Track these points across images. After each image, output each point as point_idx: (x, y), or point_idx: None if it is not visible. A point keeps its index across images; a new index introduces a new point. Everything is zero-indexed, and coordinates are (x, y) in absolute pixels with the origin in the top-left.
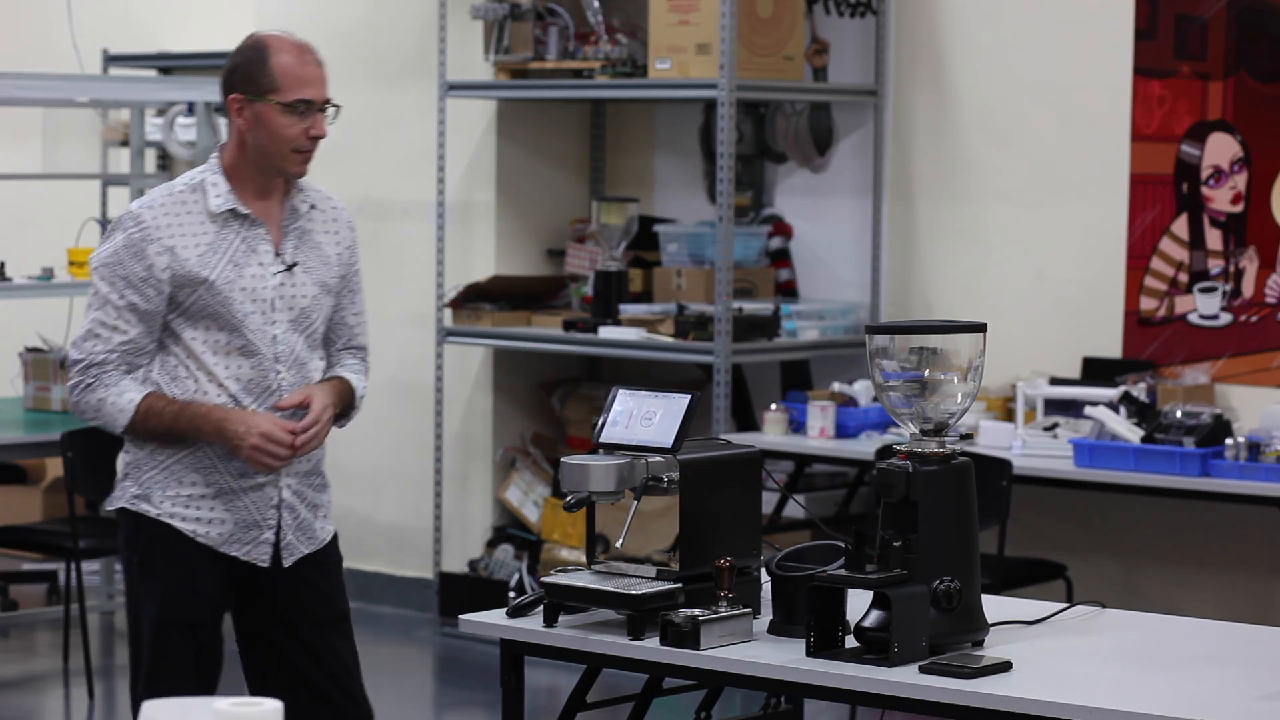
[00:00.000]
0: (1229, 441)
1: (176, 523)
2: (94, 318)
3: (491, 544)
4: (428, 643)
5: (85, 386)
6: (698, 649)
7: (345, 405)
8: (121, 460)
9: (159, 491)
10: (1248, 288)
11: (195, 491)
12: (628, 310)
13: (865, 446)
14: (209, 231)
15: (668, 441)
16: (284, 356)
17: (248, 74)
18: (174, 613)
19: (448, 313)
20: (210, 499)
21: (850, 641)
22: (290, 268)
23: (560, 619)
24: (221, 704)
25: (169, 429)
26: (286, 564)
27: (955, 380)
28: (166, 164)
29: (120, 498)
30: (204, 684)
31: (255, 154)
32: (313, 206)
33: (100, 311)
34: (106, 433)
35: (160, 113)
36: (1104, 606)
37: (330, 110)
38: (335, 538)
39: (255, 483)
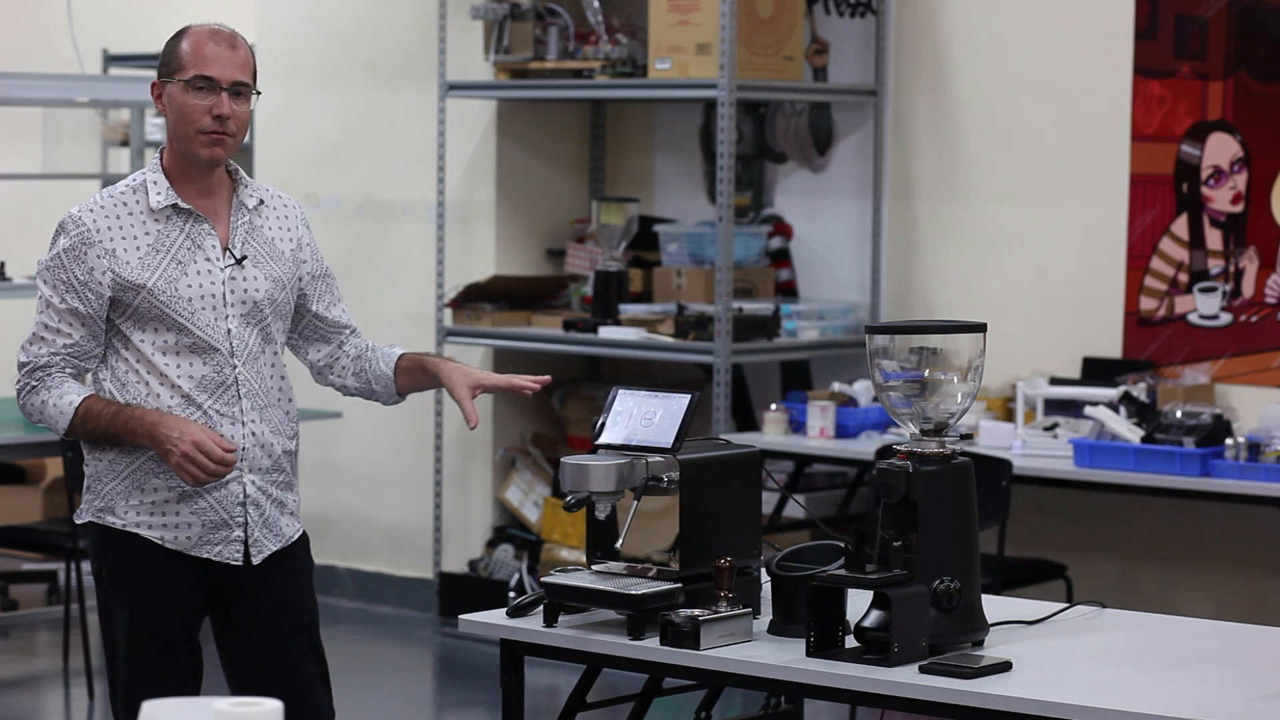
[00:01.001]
0: (1229, 441)
1: (144, 531)
2: (39, 320)
3: (491, 544)
4: (428, 643)
5: (30, 389)
6: (698, 649)
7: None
8: (85, 472)
9: (122, 502)
10: (1248, 288)
11: (159, 497)
12: (628, 310)
13: (865, 446)
14: (151, 231)
15: (668, 441)
16: (239, 350)
17: (164, 58)
18: (146, 626)
19: (448, 313)
20: (175, 503)
21: (850, 641)
22: (239, 260)
23: (560, 619)
24: (221, 704)
25: (105, 431)
26: (255, 561)
27: (955, 380)
28: None
29: (85, 511)
30: (183, 692)
31: (173, 139)
32: (261, 202)
33: (44, 315)
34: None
35: (160, 113)
36: (1104, 606)
37: (253, 98)
38: (305, 539)
39: (218, 481)
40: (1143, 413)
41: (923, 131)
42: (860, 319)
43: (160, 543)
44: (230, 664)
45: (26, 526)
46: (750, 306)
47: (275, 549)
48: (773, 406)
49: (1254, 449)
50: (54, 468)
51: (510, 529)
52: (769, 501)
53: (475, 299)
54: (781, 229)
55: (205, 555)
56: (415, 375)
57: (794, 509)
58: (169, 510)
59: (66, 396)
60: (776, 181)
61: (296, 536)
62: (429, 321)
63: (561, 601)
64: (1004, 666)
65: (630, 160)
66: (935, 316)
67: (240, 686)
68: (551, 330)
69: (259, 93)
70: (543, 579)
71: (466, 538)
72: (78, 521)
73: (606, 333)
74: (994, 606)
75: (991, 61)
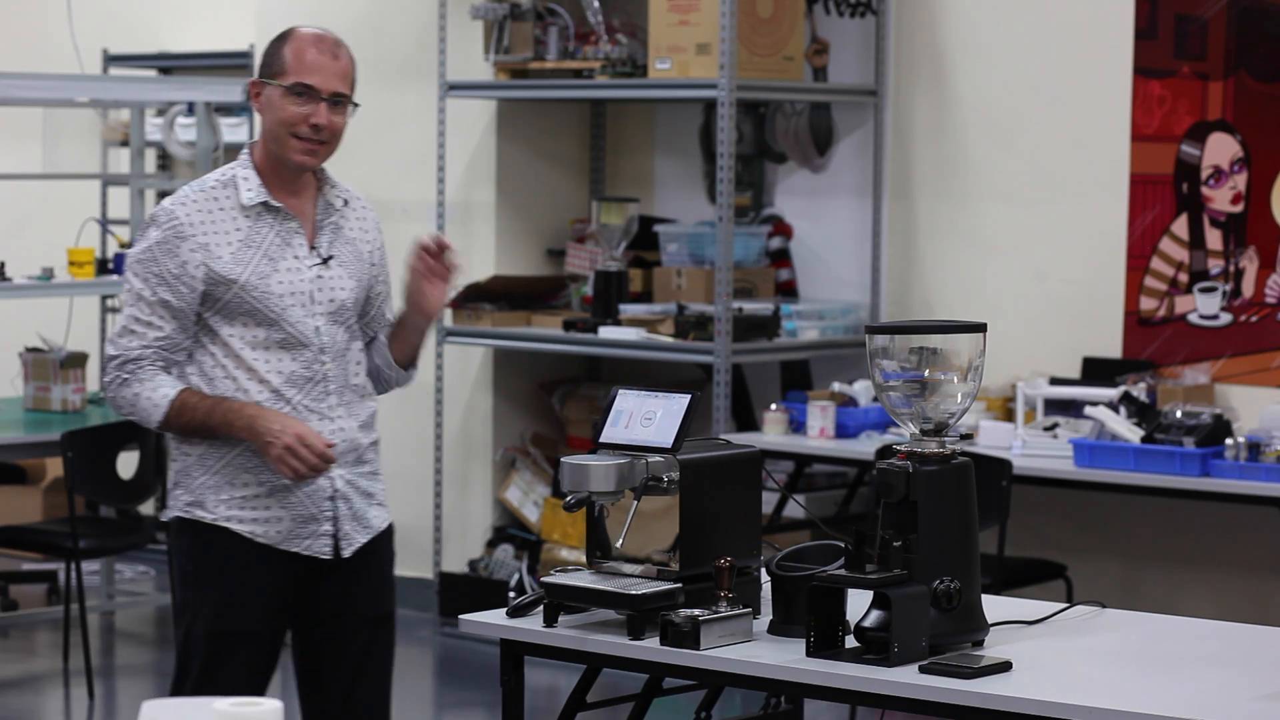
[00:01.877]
0: (1229, 441)
1: (234, 525)
2: (129, 313)
3: (491, 544)
4: (428, 643)
5: (121, 382)
6: (698, 649)
7: (418, 350)
8: (171, 469)
9: (213, 496)
10: (1248, 288)
11: (249, 492)
12: (628, 310)
13: (865, 446)
14: (242, 227)
15: (668, 441)
16: (329, 347)
17: (266, 59)
18: (231, 622)
19: (448, 313)
20: (265, 498)
21: (850, 641)
22: (326, 260)
23: (560, 619)
24: (221, 704)
25: (202, 424)
26: (346, 555)
27: (955, 380)
28: (166, 164)
29: (174, 507)
30: (257, 692)
31: (267, 140)
32: (346, 202)
33: (135, 308)
34: (108, 433)
35: (160, 113)
36: (1104, 606)
37: (350, 109)
38: (391, 529)
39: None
40: (1143, 413)
41: (923, 131)
42: (860, 319)
43: (251, 537)
44: (306, 654)
45: (26, 526)
46: (750, 306)
47: (364, 541)
48: (773, 406)
49: (1254, 449)
50: (54, 468)
51: (510, 529)
52: (769, 501)
53: (475, 299)
54: (781, 229)
55: (295, 549)
56: (396, 332)
57: (794, 509)
58: (259, 505)
59: (161, 389)
60: (776, 181)
61: (384, 527)
62: None
63: (561, 601)
64: (1004, 666)
65: (630, 160)
66: (935, 316)
67: (312, 677)
68: (551, 330)
69: (356, 105)
70: (543, 579)
71: (466, 538)
72: (164, 519)
73: (606, 333)
74: (994, 606)
75: (991, 61)
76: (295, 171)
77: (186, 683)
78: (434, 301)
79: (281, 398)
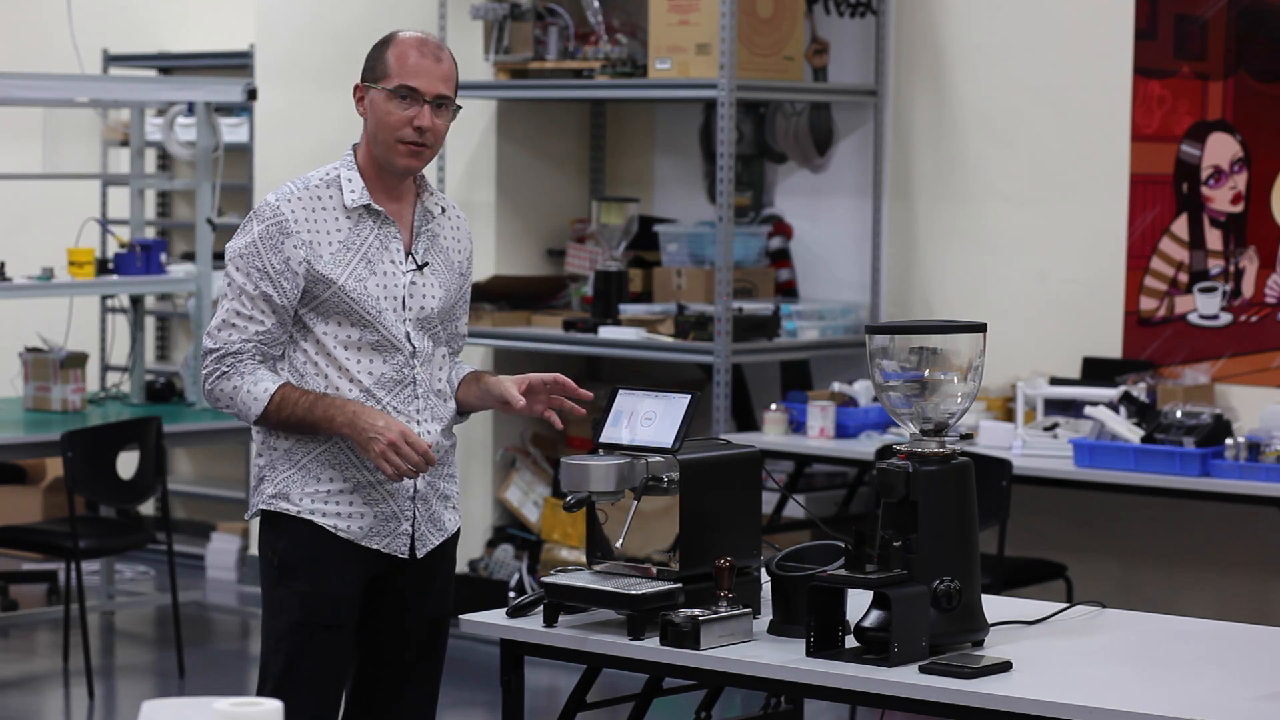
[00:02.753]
0: (1229, 441)
1: (318, 519)
2: (229, 307)
3: (491, 544)
4: None
5: (220, 375)
6: (698, 649)
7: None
8: (255, 465)
9: (297, 489)
10: (1248, 288)
11: (334, 487)
12: (628, 310)
13: (865, 446)
14: (344, 227)
15: (668, 441)
16: (420, 352)
17: (370, 62)
18: (318, 615)
19: None
20: (349, 494)
21: (850, 641)
22: (421, 268)
23: (560, 619)
24: (221, 704)
25: (303, 419)
26: (420, 555)
27: (955, 380)
28: (166, 164)
29: (258, 501)
30: (337, 686)
31: (372, 144)
32: (443, 210)
33: (236, 301)
34: (108, 433)
35: (160, 113)
36: (1104, 606)
37: (451, 110)
38: (459, 533)
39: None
40: (1143, 413)
41: (923, 131)
42: (860, 319)
43: (334, 531)
44: (364, 650)
45: (26, 526)
46: (750, 306)
47: (438, 543)
48: (773, 406)
49: (1254, 449)
50: (54, 468)
51: (510, 529)
52: (769, 501)
53: (475, 299)
54: (781, 229)
55: (375, 546)
56: (469, 386)
57: (794, 509)
58: (343, 500)
59: (261, 384)
60: (776, 181)
61: (455, 530)
62: None
63: (561, 601)
64: (1004, 666)
65: (630, 160)
66: (935, 316)
67: (365, 672)
68: (551, 330)
69: (459, 107)
70: (543, 579)
71: (466, 538)
72: (247, 517)
73: (606, 333)
74: (994, 606)
75: (991, 61)
76: (399, 175)
77: (269, 678)
78: (524, 411)
79: (372, 397)
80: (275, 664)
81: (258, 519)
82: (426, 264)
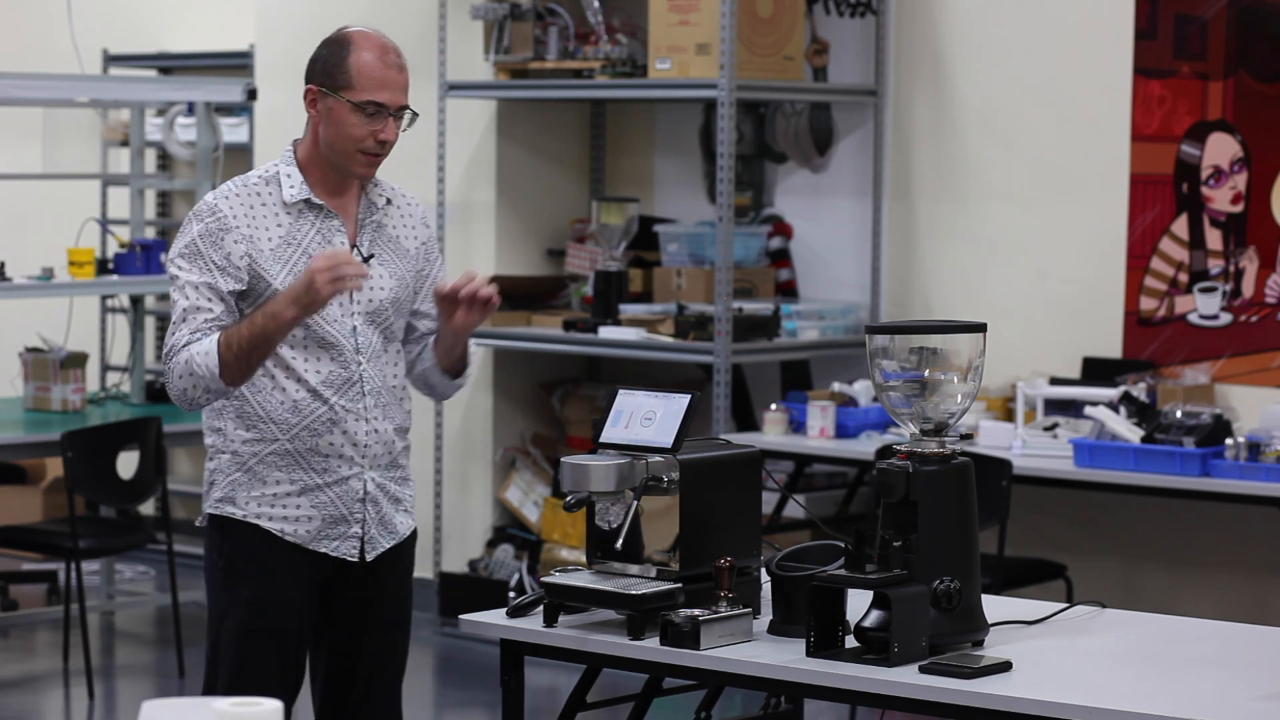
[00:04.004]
0: (1229, 441)
1: (264, 523)
2: (178, 307)
3: (491, 544)
4: (428, 643)
5: (175, 363)
6: (698, 649)
7: (464, 361)
8: (206, 469)
9: (243, 493)
10: (1248, 288)
11: (281, 490)
12: (628, 310)
13: (865, 446)
14: (284, 223)
15: (668, 441)
16: (364, 348)
17: (326, 67)
18: (261, 620)
19: None
20: (296, 496)
21: (850, 641)
22: (367, 259)
23: (560, 619)
24: (221, 704)
25: (250, 337)
26: (369, 558)
27: (955, 380)
28: (166, 164)
29: (206, 506)
30: (285, 692)
31: (325, 148)
32: (389, 201)
33: (181, 298)
34: (108, 433)
35: (160, 113)
36: (1104, 606)
37: (407, 116)
38: (414, 535)
39: (339, 476)
40: (1143, 413)
41: (923, 131)
42: (860, 319)
43: (280, 535)
44: (323, 656)
45: (26, 526)
46: (750, 306)
47: (389, 546)
48: (773, 406)
49: (1254, 449)
50: (54, 468)
51: (510, 529)
52: (769, 501)
53: None
54: (781, 229)
55: (323, 550)
56: (436, 342)
57: (794, 509)
58: (289, 503)
59: (203, 343)
60: (776, 181)
61: (408, 534)
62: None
63: (561, 601)
64: (1004, 666)
65: (630, 160)
66: (935, 316)
67: (326, 679)
68: (551, 330)
69: (416, 114)
70: (543, 579)
71: (466, 538)
72: (198, 524)
73: (606, 333)
74: (994, 606)
75: (991, 61)
76: (348, 178)
77: (218, 682)
78: (467, 324)
79: (319, 397)
80: (223, 669)
81: (206, 521)
82: (373, 255)
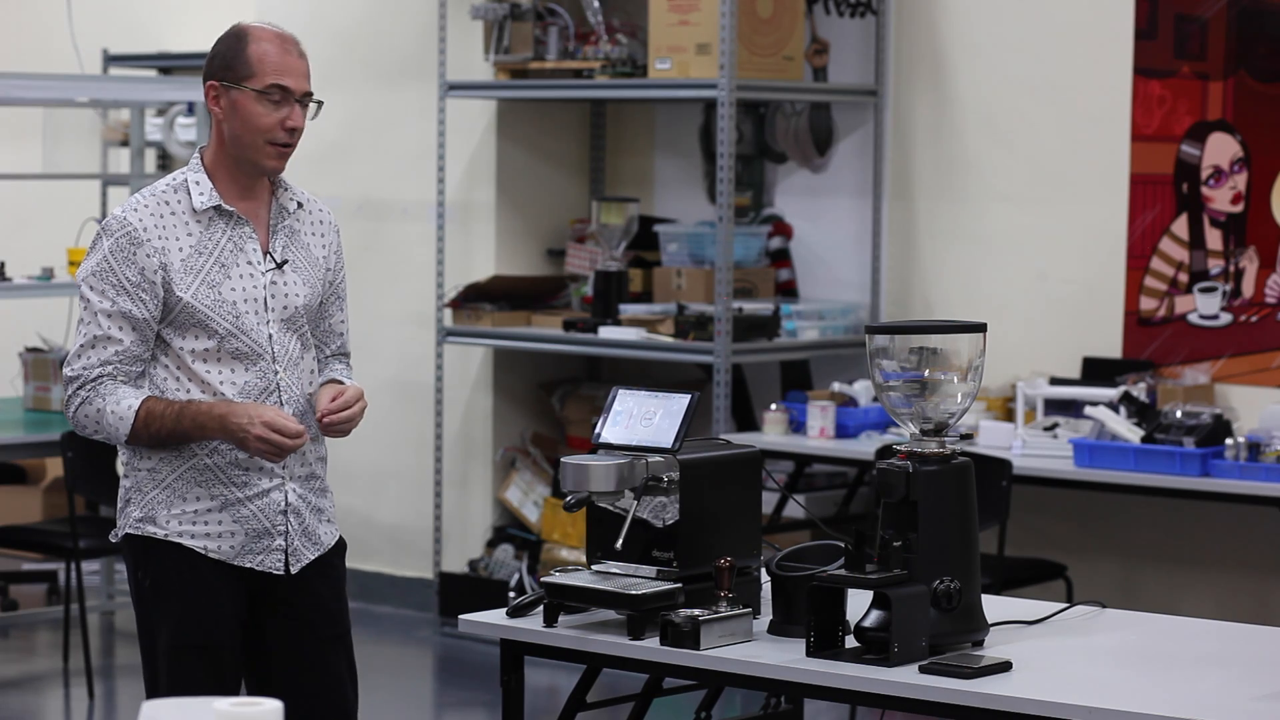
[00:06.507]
0: (1229, 441)
1: (186, 541)
2: (85, 331)
3: (491, 544)
4: (428, 643)
5: (82, 402)
6: (698, 649)
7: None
8: (122, 487)
9: (164, 511)
10: (1248, 288)
11: (200, 506)
12: (628, 310)
13: (865, 446)
14: (194, 232)
15: (668, 441)
16: (281, 356)
17: (225, 61)
18: (191, 636)
19: (448, 313)
20: (217, 512)
21: (850, 641)
22: (281, 265)
23: (560, 619)
24: (221, 704)
25: (171, 431)
26: (294, 570)
27: (955, 380)
28: (166, 164)
29: (124, 525)
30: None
31: (232, 145)
32: (300, 205)
33: (92, 324)
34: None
35: (160, 113)
36: (1104, 606)
37: (313, 106)
38: (342, 546)
39: (259, 490)
40: (1143, 413)
41: (923, 131)
42: (860, 319)
43: (204, 552)
44: (262, 673)
45: (26, 526)
46: (750, 306)
47: (313, 557)
48: (773, 406)
49: (1254, 449)
50: (54, 468)
51: (510, 529)
52: (769, 501)
53: (475, 299)
54: (781, 229)
55: (248, 565)
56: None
57: (794, 509)
58: (211, 519)
59: (124, 401)
60: (776, 181)
61: (333, 544)
62: (429, 321)
63: (561, 601)
64: (1004, 666)
65: (630, 160)
66: (935, 316)
67: (269, 694)
68: (551, 330)
69: (321, 103)
70: (543, 579)
71: (466, 538)
72: (113, 539)
73: (606, 333)
74: (994, 606)
75: (991, 61)
76: (258, 175)
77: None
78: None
79: None
80: (161, 688)
81: (124, 540)
82: (286, 261)
